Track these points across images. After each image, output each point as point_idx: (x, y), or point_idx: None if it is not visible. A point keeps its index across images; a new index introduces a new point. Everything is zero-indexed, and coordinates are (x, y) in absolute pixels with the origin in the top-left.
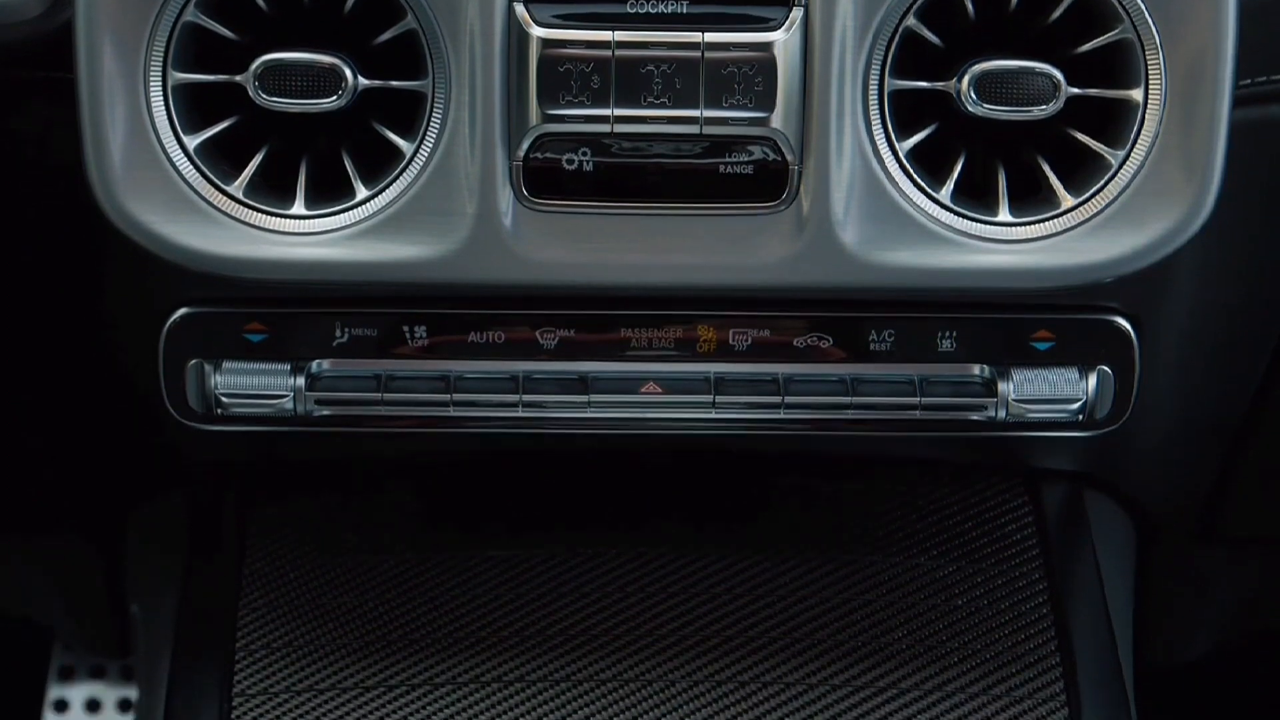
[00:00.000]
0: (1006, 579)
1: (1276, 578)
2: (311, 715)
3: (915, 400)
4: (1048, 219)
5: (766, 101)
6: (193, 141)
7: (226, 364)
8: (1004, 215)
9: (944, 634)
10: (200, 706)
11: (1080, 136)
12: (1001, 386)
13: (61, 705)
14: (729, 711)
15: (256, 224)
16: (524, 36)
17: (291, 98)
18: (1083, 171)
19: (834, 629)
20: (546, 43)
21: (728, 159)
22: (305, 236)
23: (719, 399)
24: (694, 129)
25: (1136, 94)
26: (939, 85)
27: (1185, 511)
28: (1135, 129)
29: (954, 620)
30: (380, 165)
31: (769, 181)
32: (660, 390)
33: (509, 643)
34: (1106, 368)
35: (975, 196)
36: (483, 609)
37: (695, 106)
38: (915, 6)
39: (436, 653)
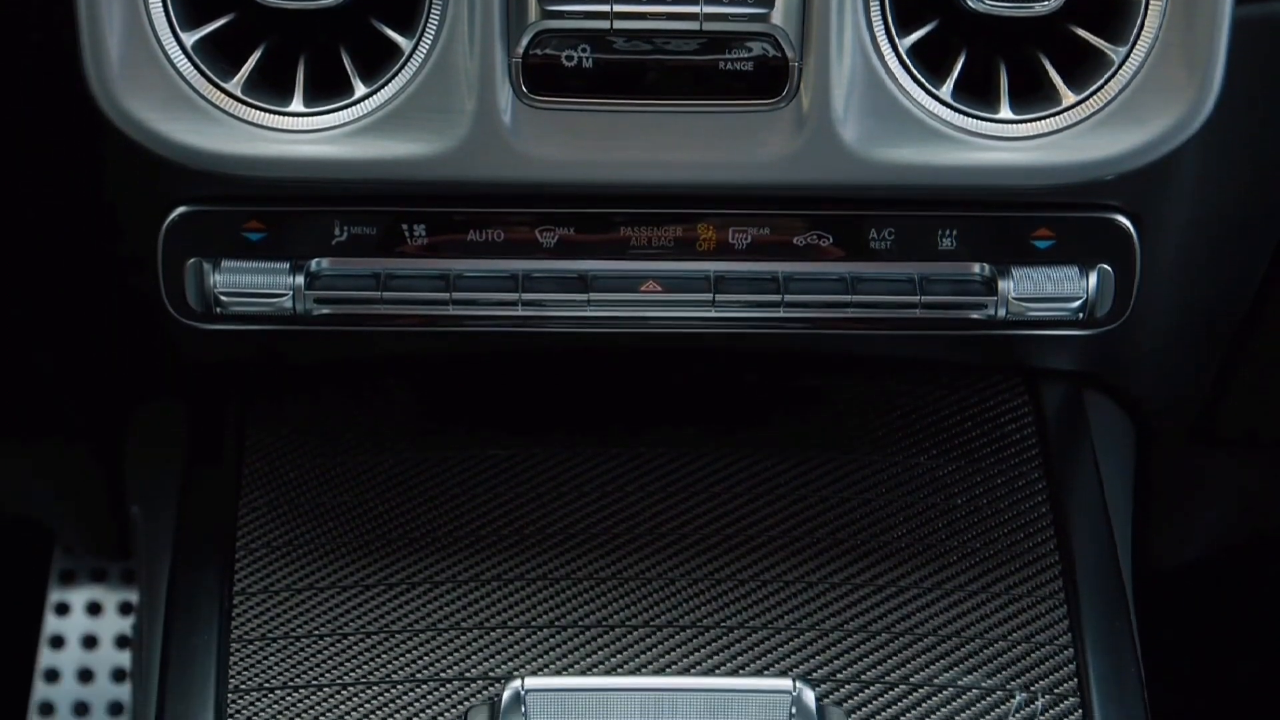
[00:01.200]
0: (1006, 478)
1: (1275, 479)
2: (312, 612)
3: (915, 299)
4: (1049, 116)
5: None
6: (190, 38)
7: (225, 263)
8: (1005, 112)
9: (943, 533)
10: (201, 605)
11: (1081, 33)
12: (1001, 285)
13: (63, 608)
14: (728, 609)
15: (254, 121)
16: None
17: None
18: (1084, 68)
19: (833, 527)
20: None
21: (727, 55)
22: (303, 134)
23: (719, 297)
24: (694, 25)
25: None
26: None
27: (1184, 412)
28: (1137, 25)
29: (953, 519)
30: (379, 63)
31: (769, 78)
32: (660, 288)
33: (508, 541)
34: (1107, 266)
35: (976, 94)
36: (483, 508)
37: (695, 3)
38: None
39: (436, 551)
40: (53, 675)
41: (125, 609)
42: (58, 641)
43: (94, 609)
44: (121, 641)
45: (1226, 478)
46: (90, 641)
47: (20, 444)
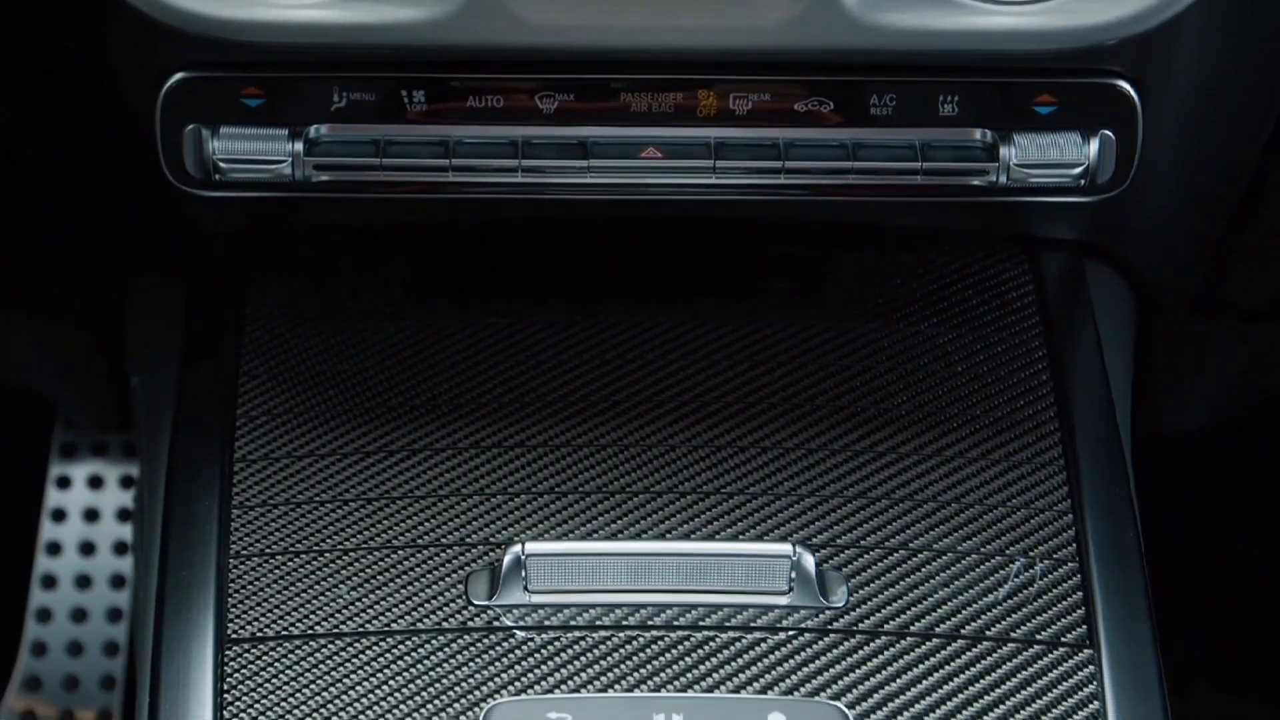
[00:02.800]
0: (1006, 346)
1: (1274, 348)
2: (312, 479)
3: (916, 165)
4: None
5: None
6: None
7: (224, 129)
8: None
9: (943, 400)
10: (201, 472)
11: None
12: (1003, 151)
13: (64, 482)
14: (728, 475)
15: None
16: None
17: None
18: None
19: (833, 395)
20: None
21: None
22: None
23: (719, 164)
24: None
25: None
26: None
27: (1186, 282)
28: None
29: (953, 386)
30: None
31: None
32: (660, 155)
33: (509, 408)
34: (1109, 132)
35: None
36: (483, 375)
37: None
38: None
39: (437, 418)
40: (55, 548)
41: (126, 482)
42: (59, 515)
43: (95, 482)
44: (123, 515)
45: (1227, 348)
46: (92, 515)
47: (22, 316)
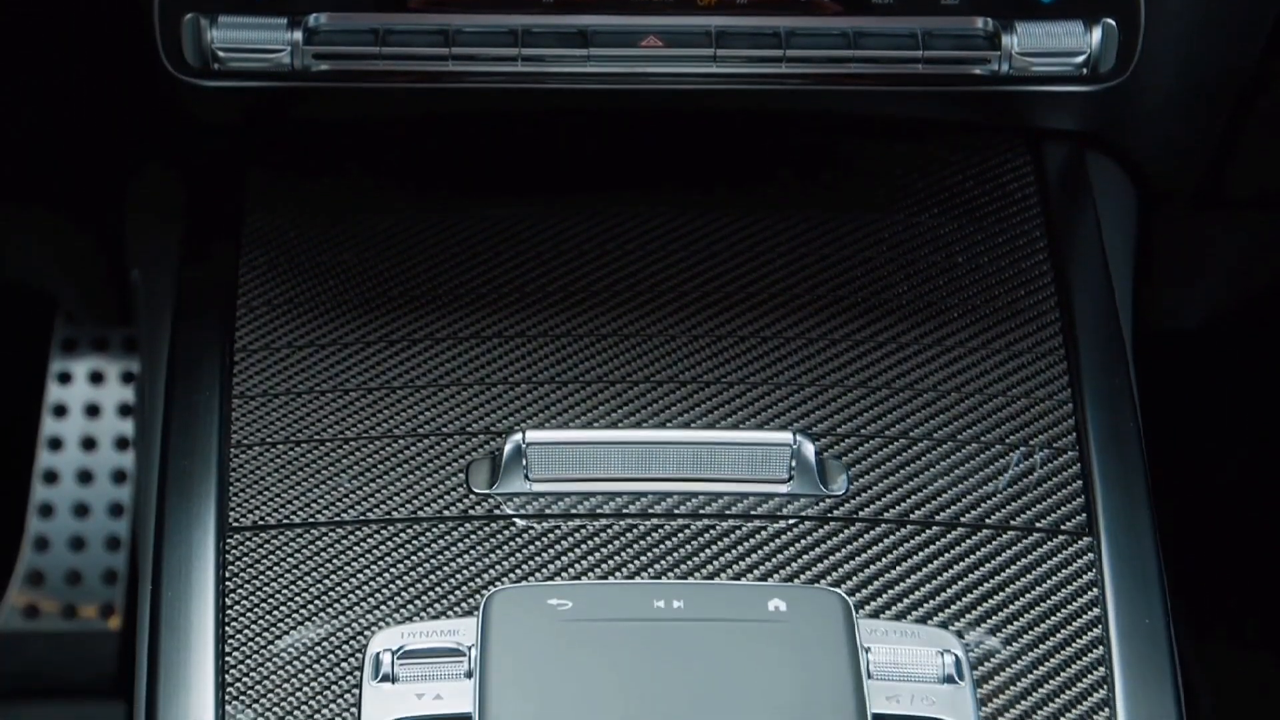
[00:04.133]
0: (1007, 236)
1: (1275, 240)
2: (313, 369)
3: (918, 54)
4: None
5: None
6: None
7: (223, 18)
8: None
9: (944, 290)
10: (202, 362)
11: None
12: (1005, 39)
13: (65, 377)
14: (729, 364)
15: None
16: None
17: None
18: None
19: (834, 285)
20: None
21: None
22: None
23: (720, 52)
24: None
25: None
26: None
27: (1187, 173)
28: None
29: (954, 276)
30: None
31: None
32: (660, 44)
33: (509, 298)
34: (1111, 20)
35: None
36: (483, 266)
37: None
38: None
39: (437, 308)
40: (56, 444)
41: (127, 378)
42: (60, 410)
43: (96, 378)
44: (124, 410)
45: (1228, 240)
46: (93, 410)
47: (21, 210)
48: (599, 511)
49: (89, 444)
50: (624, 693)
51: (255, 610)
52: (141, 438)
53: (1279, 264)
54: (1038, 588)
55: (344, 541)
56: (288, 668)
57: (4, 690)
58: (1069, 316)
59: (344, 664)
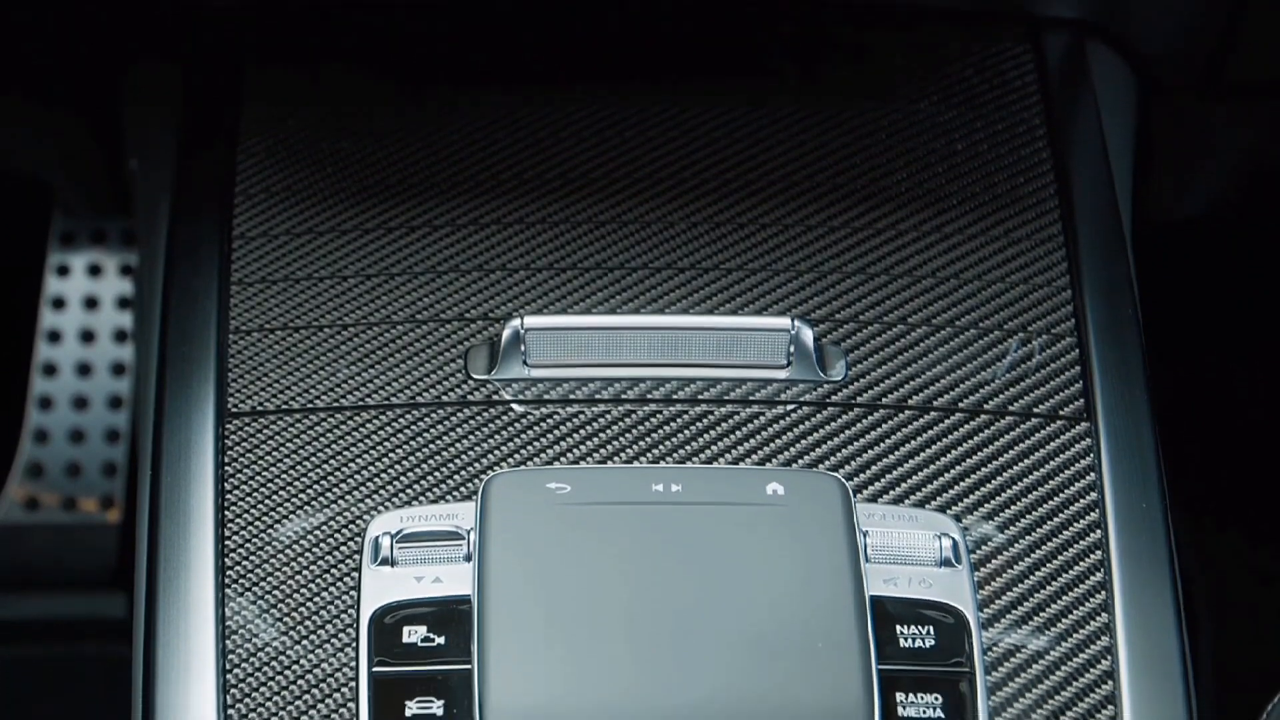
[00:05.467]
0: (1006, 125)
1: (1275, 128)
2: (311, 256)
3: None
4: None
5: None
6: None
7: None
8: None
9: (943, 177)
10: (200, 249)
11: None
12: None
13: (64, 270)
14: (727, 252)
15: None
16: None
17: None
18: None
19: (833, 172)
20: None
21: None
22: None
23: None
24: None
25: None
26: None
27: (1187, 61)
28: None
29: (953, 164)
30: None
31: None
32: None
33: (508, 185)
34: None
35: None
36: (481, 153)
37: None
38: None
39: (435, 195)
40: (55, 336)
41: (125, 270)
42: (59, 303)
43: (94, 270)
44: (122, 303)
45: (1228, 129)
46: (91, 302)
47: (19, 101)
48: (597, 397)
49: (88, 337)
50: (622, 575)
51: (254, 495)
52: (140, 330)
53: (1277, 152)
54: (1035, 472)
55: (343, 426)
56: (287, 552)
57: (4, 582)
58: (1068, 204)
59: (343, 548)
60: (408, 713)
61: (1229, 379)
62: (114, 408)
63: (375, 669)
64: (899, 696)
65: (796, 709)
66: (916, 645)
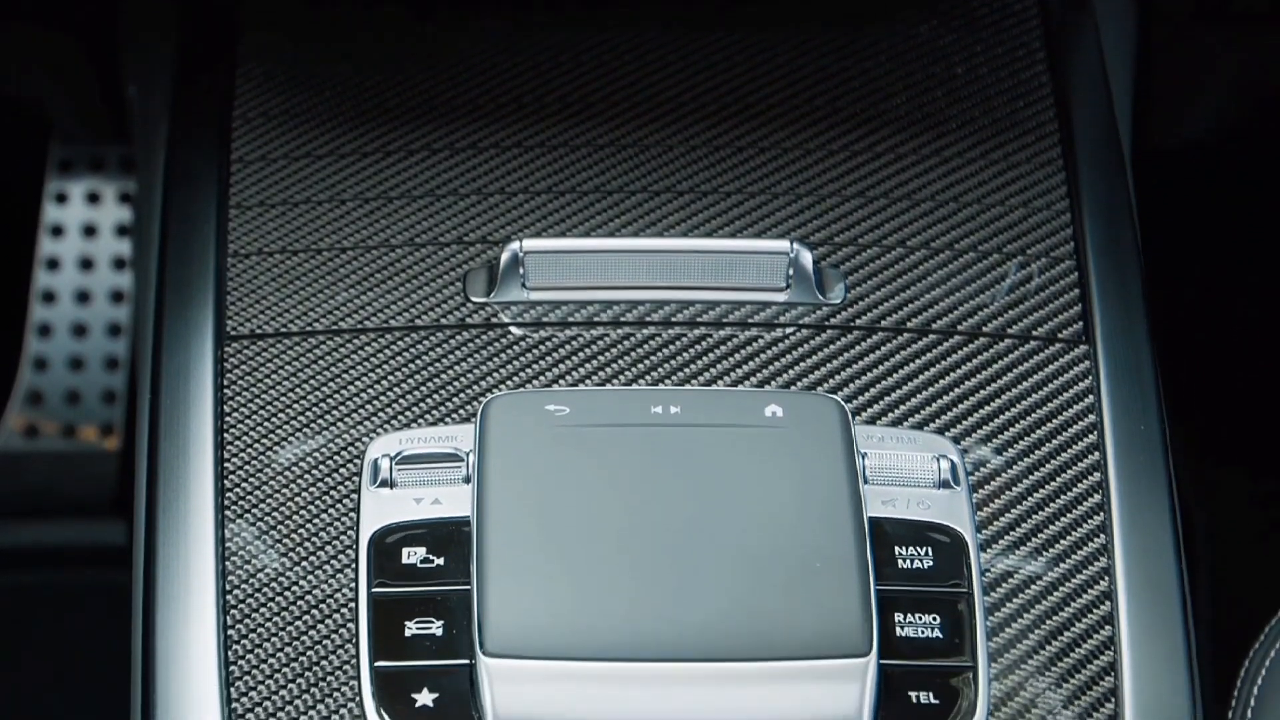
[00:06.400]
0: (1006, 49)
1: (1274, 53)
2: (309, 179)
3: None
4: None
5: None
6: None
7: None
8: None
9: (942, 101)
10: (198, 173)
11: None
12: None
13: (62, 198)
14: (726, 175)
15: None
16: None
17: None
18: None
19: (832, 96)
20: None
21: None
22: None
23: None
24: None
25: None
26: None
27: None
28: None
29: (953, 87)
30: None
31: None
32: None
33: (506, 109)
34: None
35: None
36: (480, 77)
37: None
38: None
39: (434, 119)
40: (54, 264)
41: (124, 198)
42: (58, 231)
43: (93, 198)
44: (121, 230)
45: (1226, 54)
46: (90, 230)
47: (16, 26)
48: (596, 319)
49: (86, 264)
50: (621, 496)
51: (253, 418)
52: (139, 257)
53: (1275, 77)
54: (1034, 395)
55: (341, 349)
56: (286, 475)
57: (4, 509)
58: (1068, 128)
59: (342, 471)
60: (407, 633)
61: (1228, 304)
62: (113, 335)
63: (375, 589)
64: (897, 617)
65: (795, 629)
66: (915, 566)
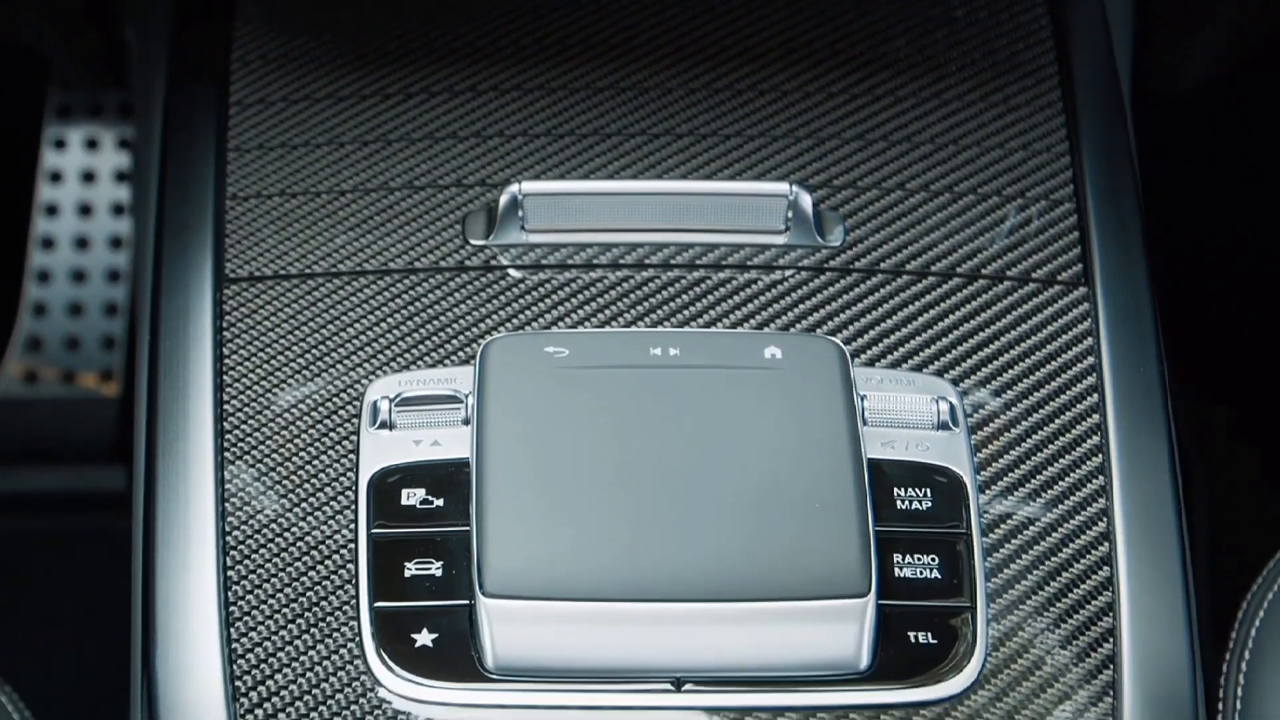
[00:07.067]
0: None
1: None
2: (308, 122)
3: None
4: None
5: None
6: None
7: None
8: None
9: (942, 44)
10: (197, 116)
11: None
12: None
13: (60, 144)
14: (725, 118)
15: None
16: None
17: None
18: None
19: (832, 39)
20: None
21: None
22: None
23: None
24: None
25: None
26: None
27: None
28: None
29: (952, 30)
30: None
31: None
32: None
33: (505, 52)
34: None
35: None
36: (478, 19)
37: None
38: None
39: (432, 61)
40: (52, 210)
41: (123, 144)
42: (56, 176)
43: (91, 144)
44: (120, 176)
45: (1227, 1)
46: (89, 176)
47: None
48: (595, 262)
49: (85, 210)
50: (620, 438)
51: (252, 361)
52: (138, 203)
53: (1275, 17)
54: (1033, 337)
55: (340, 292)
56: (285, 417)
57: (4, 455)
58: (1067, 70)
59: (341, 413)
60: (407, 574)
61: (1227, 249)
62: (112, 281)
63: (374, 531)
64: (896, 558)
65: (794, 569)
66: (914, 507)
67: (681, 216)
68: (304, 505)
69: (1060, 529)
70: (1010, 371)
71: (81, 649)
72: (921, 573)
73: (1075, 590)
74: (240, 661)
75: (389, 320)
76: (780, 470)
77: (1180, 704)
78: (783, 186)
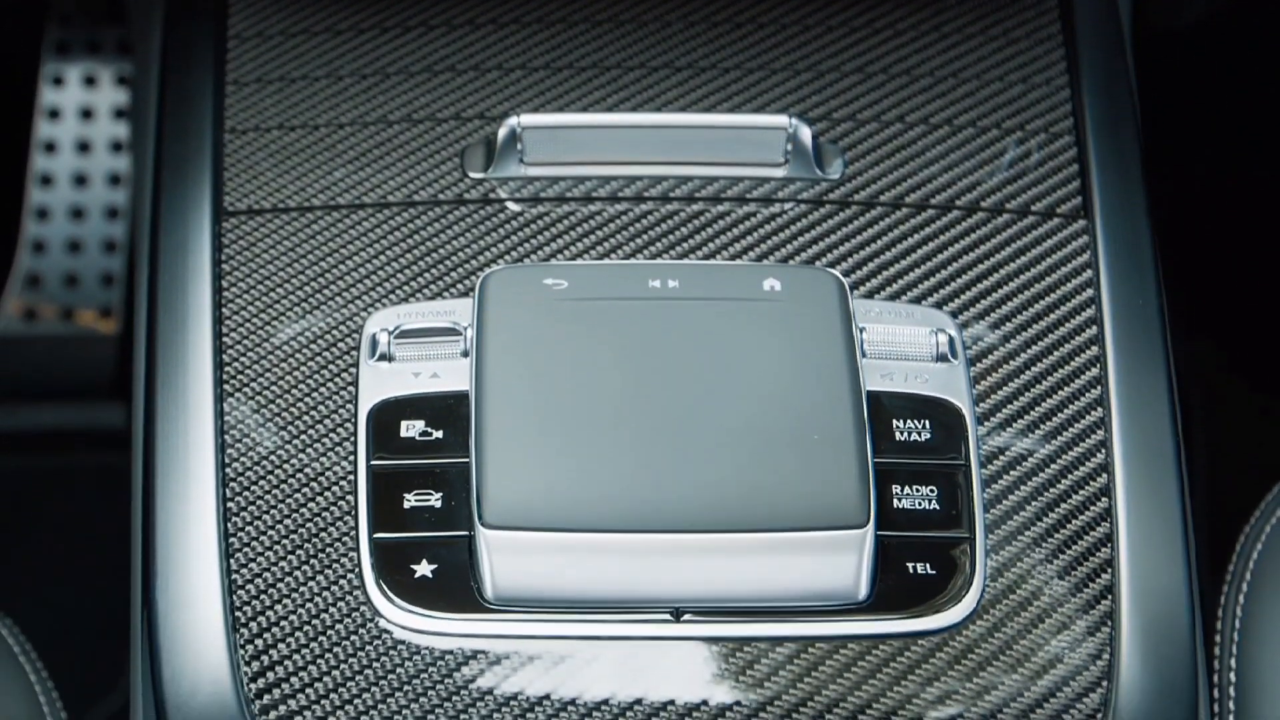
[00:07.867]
0: None
1: None
2: (306, 56)
3: None
4: None
5: None
6: None
7: None
8: None
9: None
10: (195, 49)
11: None
12: None
13: (59, 81)
14: (724, 51)
15: None
16: None
17: None
18: None
19: None
20: None
21: None
22: None
23: None
24: None
25: None
26: None
27: None
28: None
29: None
30: None
31: None
32: None
33: None
34: None
35: None
36: None
37: None
38: None
39: None
40: (51, 147)
41: (121, 81)
42: (55, 113)
43: (90, 81)
44: (118, 113)
45: None
46: (87, 113)
47: None
48: (594, 195)
49: (84, 147)
50: (619, 370)
51: (251, 294)
52: (136, 139)
53: None
54: (1032, 269)
55: (339, 225)
56: (284, 349)
57: (3, 393)
58: (1067, 4)
59: (340, 345)
60: (406, 505)
61: (1225, 182)
62: (111, 218)
63: (374, 462)
64: (895, 489)
65: (793, 500)
66: (912, 439)
67: (681, 149)
68: (303, 438)
69: (1059, 460)
70: (1009, 304)
71: (82, 583)
72: (920, 504)
73: (1073, 521)
74: (240, 592)
75: (388, 253)
76: (779, 401)
77: (1178, 634)
78: (782, 119)
